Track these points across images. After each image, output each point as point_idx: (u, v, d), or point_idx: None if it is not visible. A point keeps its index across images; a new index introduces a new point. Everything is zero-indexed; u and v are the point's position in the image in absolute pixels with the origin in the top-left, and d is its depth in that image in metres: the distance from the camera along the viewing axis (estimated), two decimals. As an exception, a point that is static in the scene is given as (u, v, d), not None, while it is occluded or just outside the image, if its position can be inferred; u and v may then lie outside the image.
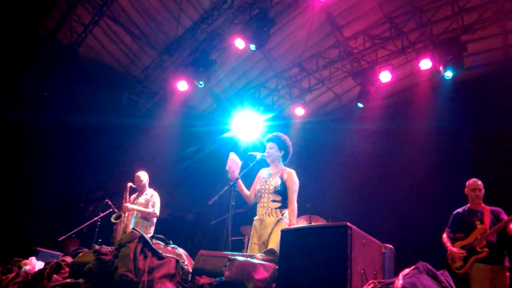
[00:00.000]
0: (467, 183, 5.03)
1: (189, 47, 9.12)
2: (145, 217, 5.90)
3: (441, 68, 7.42)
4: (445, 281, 2.02)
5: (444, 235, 5.09)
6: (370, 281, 2.19)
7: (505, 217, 4.72)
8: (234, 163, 4.13)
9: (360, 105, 8.86)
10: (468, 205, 5.03)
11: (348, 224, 2.54)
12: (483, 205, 4.91)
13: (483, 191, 4.93)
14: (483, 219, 4.77)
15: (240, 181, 4.17)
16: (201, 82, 8.94)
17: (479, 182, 4.95)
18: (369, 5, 8.03)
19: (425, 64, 7.88)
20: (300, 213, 7.11)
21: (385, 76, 8.42)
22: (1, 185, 8.30)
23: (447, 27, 7.67)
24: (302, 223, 6.93)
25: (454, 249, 4.84)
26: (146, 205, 5.96)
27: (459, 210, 5.09)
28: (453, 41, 7.38)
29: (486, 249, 4.60)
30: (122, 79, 10.26)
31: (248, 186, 4.36)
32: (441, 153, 8.34)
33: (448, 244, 4.96)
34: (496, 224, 4.67)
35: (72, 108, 9.12)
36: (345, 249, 2.45)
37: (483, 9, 7.22)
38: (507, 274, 4.58)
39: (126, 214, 5.84)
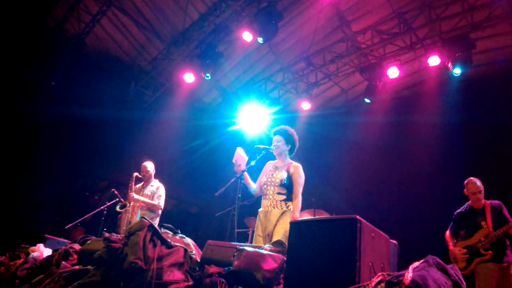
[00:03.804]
0: (466, 184, 4.95)
1: (196, 39, 9.10)
2: (151, 208, 5.89)
3: (449, 65, 7.40)
4: (454, 275, 2.04)
5: (447, 233, 5.10)
6: (379, 274, 2.20)
7: (506, 212, 4.71)
8: (240, 157, 4.19)
9: (367, 100, 8.85)
10: (469, 203, 5.00)
11: (358, 217, 2.56)
12: (483, 201, 4.88)
13: (483, 190, 4.87)
14: (486, 217, 4.74)
15: (246, 174, 4.20)
16: (207, 74, 8.94)
17: (478, 183, 4.86)
18: (378, 0, 7.98)
19: (434, 60, 7.85)
20: (305, 207, 7.14)
21: (393, 72, 8.40)
22: (8, 175, 8.35)
23: (456, 24, 7.64)
24: (307, 217, 6.95)
25: (456, 250, 4.85)
26: (151, 197, 5.92)
27: (461, 209, 5.06)
28: (462, 38, 7.33)
29: (490, 251, 4.59)
30: (129, 70, 10.26)
31: (254, 178, 4.38)
32: (448, 150, 8.32)
33: (450, 243, 4.98)
34: (499, 223, 4.66)
35: (78, 98, 9.11)
36: (354, 242, 2.48)
37: (493, 7, 7.16)
38: None
39: (131, 204, 5.83)
